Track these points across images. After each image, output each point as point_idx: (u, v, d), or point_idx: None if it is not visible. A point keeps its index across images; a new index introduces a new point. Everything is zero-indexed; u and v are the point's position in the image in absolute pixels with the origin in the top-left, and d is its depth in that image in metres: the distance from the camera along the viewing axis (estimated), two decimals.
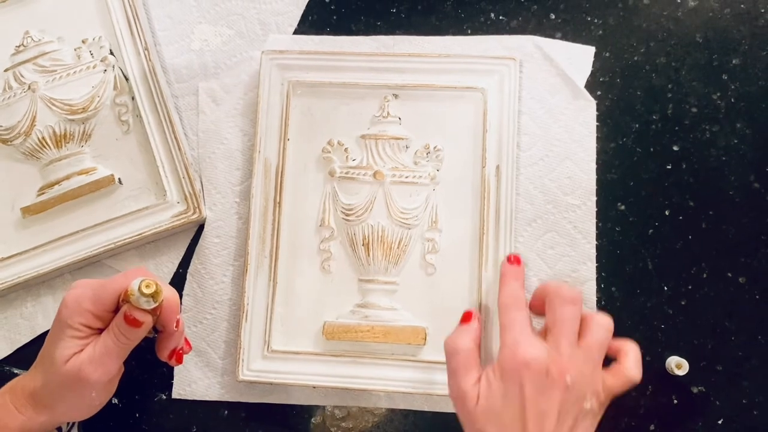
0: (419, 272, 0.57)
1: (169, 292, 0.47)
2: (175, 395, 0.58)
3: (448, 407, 0.56)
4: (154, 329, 0.50)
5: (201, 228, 0.59)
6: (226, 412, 0.58)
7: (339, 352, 0.56)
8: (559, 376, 0.44)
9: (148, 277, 0.45)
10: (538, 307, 0.49)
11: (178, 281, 0.59)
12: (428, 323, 0.56)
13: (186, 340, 0.52)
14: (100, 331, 0.47)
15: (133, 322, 0.45)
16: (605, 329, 0.47)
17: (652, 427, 0.56)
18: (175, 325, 0.49)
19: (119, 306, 0.47)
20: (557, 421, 0.44)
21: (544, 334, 0.47)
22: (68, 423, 0.52)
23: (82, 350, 0.46)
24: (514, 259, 0.51)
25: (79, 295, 0.46)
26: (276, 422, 0.58)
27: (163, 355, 0.51)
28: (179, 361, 0.51)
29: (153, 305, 0.45)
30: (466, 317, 0.50)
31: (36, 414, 0.47)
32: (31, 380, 0.47)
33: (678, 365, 0.54)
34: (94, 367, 0.46)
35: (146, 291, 0.44)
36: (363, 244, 0.57)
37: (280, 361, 0.56)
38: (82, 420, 0.51)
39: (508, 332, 0.46)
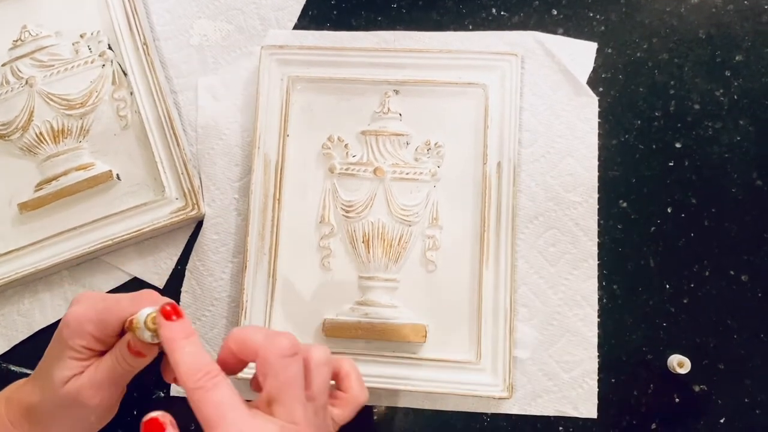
0: (420, 269, 0.57)
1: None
2: (173, 393, 0.57)
3: (449, 405, 0.56)
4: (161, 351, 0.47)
5: (200, 224, 0.59)
6: None
7: (339, 350, 0.55)
8: None
9: (158, 303, 0.43)
10: (233, 366, 0.40)
11: (177, 278, 0.59)
12: (429, 321, 0.56)
13: None
14: (102, 353, 0.45)
15: (137, 354, 0.43)
16: (326, 365, 0.40)
17: (653, 426, 0.55)
18: None
19: (124, 330, 0.44)
20: None
21: (263, 404, 0.38)
22: None
23: (82, 372, 0.44)
24: (173, 312, 0.40)
25: (82, 315, 0.43)
26: None
27: (168, 378, 0.46)
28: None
29: (157, 341, 0.42)
30: (155, 427, 0.38)
31: (31, 429, 0.45)
32: (28, 395, 0.45)
33: (680, 364, 0.54)
34: (94, 391, 0.44)
35: (152, 326, 0.41)
36: (363, 241, 0.56)
37: None
38: None
39: (222, 424, 0.35)
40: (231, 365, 0.40)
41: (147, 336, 0.42)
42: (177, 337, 0.38)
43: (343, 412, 0.42)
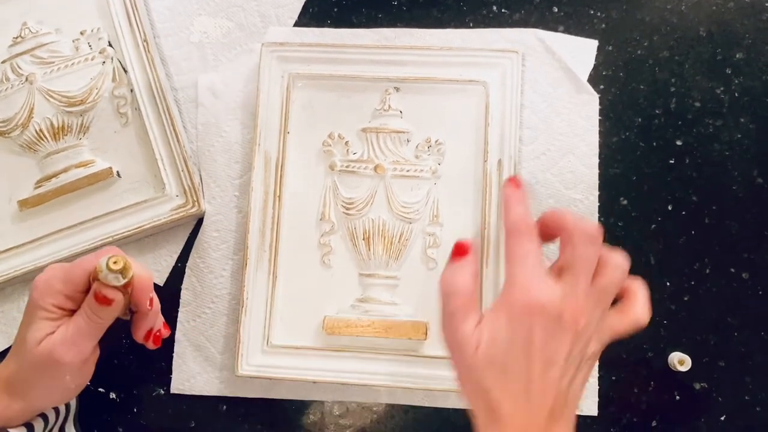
0: (420, 267, 0.57)
1: (139, 269, 0.46)
2: (173, 390, 0.57)
3: (449, 403, 0.56)
4: (130, 311, 0.49)
5: (200, 221, 0.59)
6: (224, 407, 0.57)
7: (339, 347, 0.55)
8: (573, 322, 0.39)
9: (117, 253, 0.44)
10: (545, 235, 0.43)
11: (177, 275, 0.59)
12: (429, 318, 0.56)
13: (164, 323, 0.52)
14: (73, 312, 0.46)
15: (103, 300, 0.44)
16: (622, 271, 0.42)
17: (654, 423, 0.55)
18: (148, 304, 0.48)
19: (90, 286, 0.46)
20: (564, 367, 0.40)
21: (556, 270, 0.41)
22: (56, 415, 0.51)
23: (54, 332, 0.45)
24: (516, 182, 0.44)
25: (50, 276, 0.46)
26: (275, 417, 0.57)
27: (139, 336, 0.50)
28: (156, 343, 0.51)
29: (122, 281, 0.44)
30: (461, 250, 0.43)
31: (11, 401, 0.46)
32: (5, 368, 0.47)
33: (680, 361, 0.54)
34: (67, 348, 0.45)
35: (114, 267, 0.43)
36: (363, 239, 0.56)
37: (280, 356, 0.55)
38: (62, 404, 0.51)
39: (518, 267, 0.40)
40: (544, 235, 0.43)
41: (111, 278, 0.44)
42: (514, 200, 0.42)
43: (621, 324, 0.42)
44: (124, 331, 0.58)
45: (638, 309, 0.43)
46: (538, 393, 0.39)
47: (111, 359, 0.58)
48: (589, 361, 0.41)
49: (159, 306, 0.50)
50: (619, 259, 0.42)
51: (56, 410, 0.51)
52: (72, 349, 0.45)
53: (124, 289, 0.45)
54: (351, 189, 0.57)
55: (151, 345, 0.51)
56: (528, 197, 0.43)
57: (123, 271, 0.44)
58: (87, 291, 0.46)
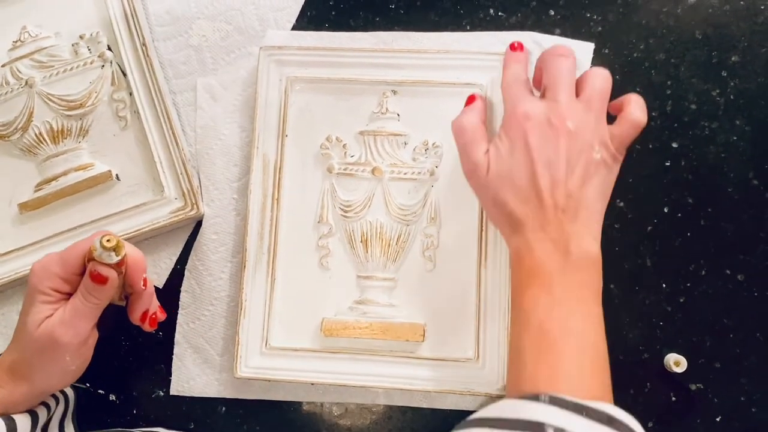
0: (418, 269, 0.57)
1: (131, 249, 0.48)
2: (173, 392, 0.58)
3: (447, 404, 0.56)
4: (125, 297, 0.51)
5: (199, 224, 0.59)
6: (223, 408, 0.58)
7: (337, 349, 0.56)
8: (560, 124, 0.45)
9: (110, 234, 0.46)
10: (539, 81, 0.50)
11: (176, 278, 0.59)
12: (427, 320, 0.56)
13: (160, 306, 0.53)
14: (70, 295, 0.48)
15: (98, 278, 0.46)
16: (602, 78, 0.47)
17: (650, 425, 0.56)
18: (142, 284, 0.49)
19: (86, 269, 0.47)
20: (566, 168, 0.45)
21: (543, 95, 0.48)
22: (56, 402, 0.52)
23: (52, 314, 0.47)
24: (518, 46, 0.51)
25: (47, 261, 0.48)
26: (274, 419, 0.57)
27: (135, 318, 0.51)
28: (152, 325, 0.52)
29: (116, 259, 0.46)
30: (471, 99, 0.51)
31: (15, 386, 0.48)
32: (8, 354, 0.48)
33: (676, 362, 0.54)
34: (65, 328, 0.47)
35: (107, 245, 0.45)
36: (361, 241, 0.57)
37: (278, 358, 0.56)
38: (62, 388, 0.52)
39: (508, 99, 0.48)
40: (538, 81, 0.50)
41: (105, 256, 0.46)
42: (511, 59, 0.51)
43: (621, 129, 0.47)
44: (123, 334, 0.58)
45: (632, 110, 0.47)
46: (547, 193, 0.45)
47: (110, 361, 0.58)
48: (600, 168, 0.46)
49: (153, 287, 0.52)
50: (597, 69, 0.48)
51: (56, 400, 0.52)
52: (70, 329, 0.47)
53: (118, 267, 0.47)
54: (349, 191, 0.57)
55: (147, 327, 0.52)
56: (527, 60, 0.50)
57: (116, 249, 0.46)
58: (82, 273, 0.47)
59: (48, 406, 0.51)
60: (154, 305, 0.53)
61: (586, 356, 0.43)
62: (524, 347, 0.43)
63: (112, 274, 0.47)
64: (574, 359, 0.42)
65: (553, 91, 0.47)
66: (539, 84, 0.50)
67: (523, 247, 0.46)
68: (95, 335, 0.50)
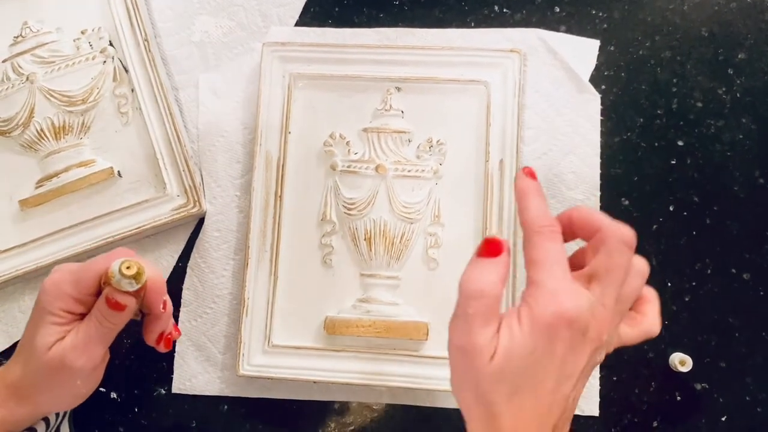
0: (421, 267, 0.57)
1: (152, 273, 0.45)
2: (174, 390, 0.57)
3: (450, 403, 0.56)
4: (141, 312, 0.48)
5: (201, 221, 0.59)
6: (226, 407, 0.57)
7: (340, 347, 0.55)
8: (597, 337, 0.37)
9: (131, 257, 0.43)
10: (567, 234, 0.40)
11: (178, 275, 0.59)
12: (430, 318, 0.56)
13: (175, 325, 0.50)
14: (83, 316, 0.45)
15: (116, 306, 0.43)
16: (642, 278, 0.40)
17: (655, 424, 0.55)
18: (161, 307, 0.46)
19: (101, 289, 0.44)
20: (576, 382, 0.37)
21: (585, 276, 0.38)
22: (56, 416, 0.51)
23: (64, 337, 0.44)
24: (531, 172, 0.40)
25: (59, 279, 0.44)
26: (276, 417, 0.57)
27: (151, 340, 0.48)
28: (168, 346, 0.49)
29: (135, 287, 0.43)
30: (494, 248, 0.38)
31: (17, 406, 0.45)
32: (11, 371, 0.45)
33: (681, 362, 0.54)
34: (78, 354, 0.44)
35: (127, 272, 0.42)
36: (365, 239, 0.56)
37: (281, 356, 0.55)
38: (70, 409, 0.50)
39: (544, 272, 0.37)
40: (566, 234, 0.40)
41: (124, 284, 0.42)
42: (530, 190, 0.39)
43: (632, 334, 0.41)
44: (125, 332, 0.58)
45: (650, 321, 0.41)
46: (545, 408, 0.37)
47: (112, 359, 0.57)
48: (595, 367, 0.40)
49: (172, 308, 0.49)
50: (642, 266, 0.40)
51: (56, 413, 0.51)
52: (83, 354, 0.44)
53: (137, 293, 0.44)
54: (352, 189, 0.57)
55: (162, 348, 0.49)
56: (542, 191, 0.40)
57: (136, 276, 0.42)
58: (97, 294, 0.44)
59: (47, 420, 0.49)
60: (170, 325, 0.49)
61: None
62: None
63: (130, 302, 0.43)
64: None
65: (604, 290, 0.37)
66: (568, 236, 0.40)
67: None
68: (107, 356, 0.47)
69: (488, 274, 0.37)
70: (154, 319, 0.47)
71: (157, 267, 0.45)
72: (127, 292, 0.43)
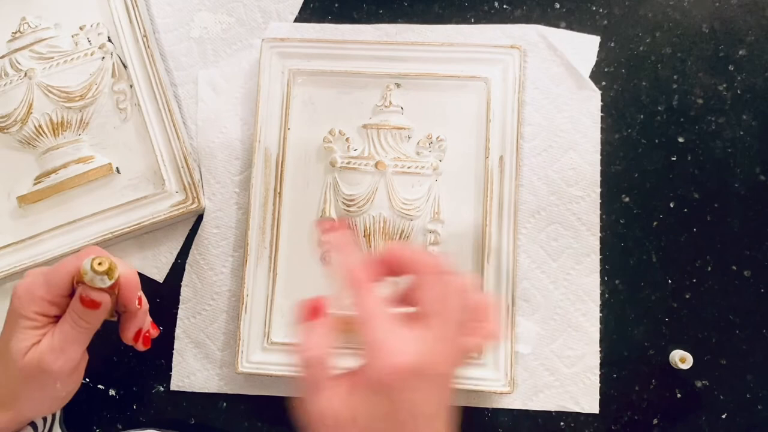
0: None
1: (125, 269, 0.44)
2: (173, 387, 0.57)
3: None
4: (117, 312, 0.47)
5: (200, 218, 0.59)
6: (224, 404, 0.57)
7: (340, 345, 0.55)
8: (447, 372, 0.37)
9: (101, 254, 0.42)
10: (389, 272, 0.40)
11: (177, 272, 0.58)
12: None
13: (153, 323, 0.49)
14: (57, 318, 0.44)
15: (90, 304, 0.42)
16: (464, 294, 0.39)
17: (655, 421, 0.55)
18: (137, 303, 0.46)
19: (74, 289, 0.43)
20: (435, 418, 0.37)
21: (420, 319, 0.38)
22: (44, 420, 0.50)
23: (40, 341, 0.43)
24: (334, 226, 0.41)
25: (31, 283, 0.43)
26: (275, 415, 0.57)
27: (127, 338, 0.47)
28: (146, 344, 0.48)
29: (108, 283, 0.42)
30: (316, 311, 0.39)
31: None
32: None
33: (682, 359, 0.54)
34: (55, 356, 0.43)
35: (99, 269, 0.41)
36: (364, 236, 0.56)
37: (280, 353, 0.55)
38: (55, 412, 0.49)
39: (369, 328, 0.37)
40: (385, 272, 0.41)
41: (97, 281, 0.42)
42: (344, 245, 0.40)
43: (473, 344, 0.41)
44: None
45: (491, 327, 0.41)
46: None
47: (110, 356, 0.58)
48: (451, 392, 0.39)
49: (147, 305, 0.48)
50: (461, 284, 0.39)
51: (44, 417, 0.50)
52: (60, 357, 0.43)
53: (111, 290, 0.43)
54: (352, 186, 0.57)
55: (140, 347, 0.48)
56: (352, 237, 0.39)
57: (109, 272, 0.42)
58: (71, 295, 0.44)
59: (35, 426, 0.48)
60: (147, 323, 0.49)
61: None
62: None
63: (104, 299, 0.43)
64: None
65: (441, 326, 0.37)
66: (390, 274, 0.40)
67: None
68: (86, 357, 0.46)
69: (317, 338, 0.38)
70: (130, 317, 0.47)
71: (130, 264, 0.43)
72: (100, 289, 0.42)
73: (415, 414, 0.36)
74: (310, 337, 0.38)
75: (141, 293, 0.46)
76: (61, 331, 0.43)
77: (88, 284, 0.42)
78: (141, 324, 0.47)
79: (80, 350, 0.44)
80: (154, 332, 0.49)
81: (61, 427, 0.54)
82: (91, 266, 0.41)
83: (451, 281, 0.38)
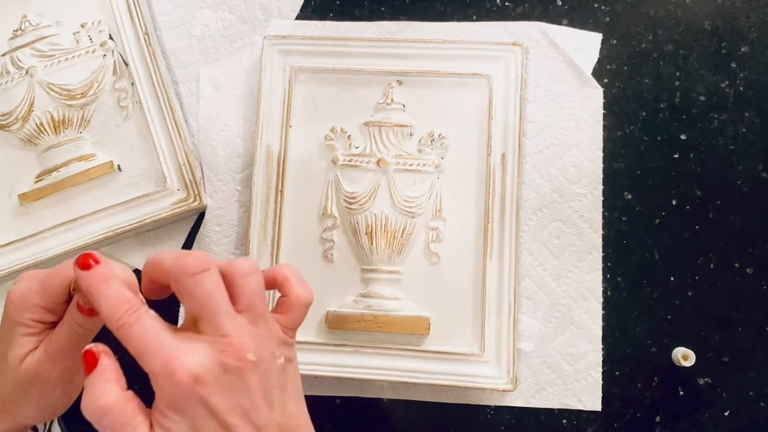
0: (423, 261, 0.56)
1: (122, 273, 0.41)
2: None
3: (452, 398, 0.56)
4: None
5: (201, 216, 0.59)
6: None
7: (341, 342, 0.55)
8: (241, 362, 0.35)
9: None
10: (157, 291, 0.39)
11: None
12: (432, 313, 0.55)
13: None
14: (54, 323, 0.42)
15: (88, 312, 0.40)
16: (252, 275, 0.38)
17: (657, 419, 0.55)
18: None
19: (71, 296, 0.42)
20: (266, 402, 0.36)
21: (193, 326, 0.37)
22: (44, 425, 0.49)
23: (36, 347, 0.41)
24: (86, 263, 0.37)
25: (26, 288, 0.41)
26: None
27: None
28: None
29: None
30: (89, 360, 0.37)
31: None
32: None
33: (684, 356, 0.54)
34: (53, 363, 0.41)
35: None
36: (366, 233, 0.56)
37: None
38: (50, 419, 0.48)
39: (146, 353, 0.35)
40: (156, 291, 0.39)
41: None
42: (94, 284, 0.36)
43: (289, 317, 0.40)
44: None
45: (296, 291, 0.40)
46: None
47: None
48: (287, 369, 0.39)
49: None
50: (241, 266, 0.38)
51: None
52: (58, 364, 0.41)
53: None
54: (353, 183, 0.57)
55: None
56: (109, 270, 0.37)
57: None
58: (68, 301, 0.42)
59: (36, 429, 0.47)
60: None
61: None
62: None
63: None
64: None
65: (211, 324, 0.35)
66: (155, 293, 0.39)
67: None
68: None
69: (98, 388, 0.36)
70: None
71: (128, 269, 0.40)
72: None
73: (232, 418, 0.35)
74: (96, 390, 0.35)
75: (140, 295, 0.45)
76: (58, 338, 0.42)
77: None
78: None
79: (78, 356, 0.42)
80: None
81: (60, 426, 0.53)
82: None
83: (199, 277, 0.36)
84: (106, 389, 0.35)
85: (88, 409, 0.35)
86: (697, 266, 0.56)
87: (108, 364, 0.36)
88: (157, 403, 0.35)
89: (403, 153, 0.57)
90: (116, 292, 0.36)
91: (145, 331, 0.35)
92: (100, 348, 0.37)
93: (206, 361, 0.34)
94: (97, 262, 0.37)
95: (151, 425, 0.35)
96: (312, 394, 0.57)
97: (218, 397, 0.34)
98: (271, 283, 0.40)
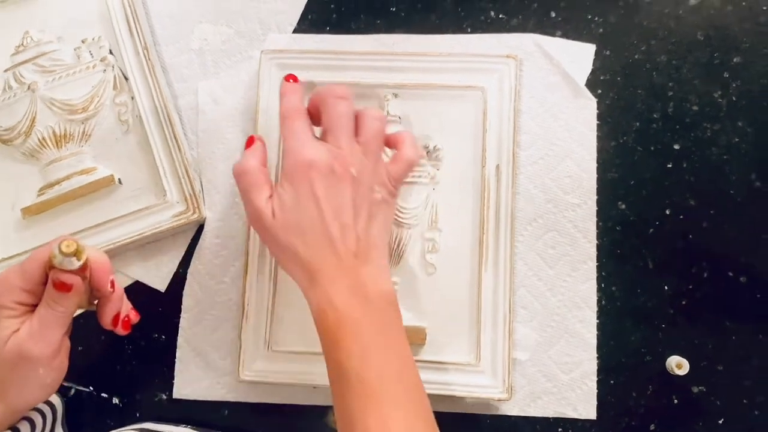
0: (419, 272, 0.57)
1: (93, 252, 0.47)
2: (176, 395, 0.58)
3: (448, 407, 0.56)
4: (95, 303, 0.49)
5: (201, 228, 0.59)
6: (226, 412, 0.58)
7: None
8: (344, 171, 0.46)
9: (68, 239, 0.44)
10: (316, 115, 0.50)
11: (179, 281, 0.59)
12: (428, 323, 0.56)
13: (133, 308, 0.51)
14: (35, 306, 0.46)
15: (62, 287, 0.45)
16: (378, 120, 0.49)
17: (652, 427, 0.56)
18: (109, 286, 0.48)
19: (47, 277, 0.46)
20: (353, 213, 0.46)
21: (324, 137, 0.49)
22: (44, 420, 0.51)
23: (19, 328, 0.45)
24: (291, 78, 0.53)
25: (6, 274, 0.46)
26: (277, 422, 0.58)
27: (106, 322, 0.49)
28: (126, 328, 0.50)
29: (77, 264, 0.44)
30: (250, 141, 0.50)
31: None
32: None
33: (678, 365, 0.54)
34: (35, 341, 0.45)
35: (67, 250, 0.44)
36: None
37: (281, 361, 0.56)
38: (39, 403, 0.50)
39: (289, 140, 0.47)
40: (315, 116, 0.50)
41: (66, 263, 0.44)
42: (288, 91, 0.50)
43: (397, 168, 0.49)
44: (126, 337, 0.59)
45: (406, 150, 0.50)
46: (338, 240, 0.45)
47: (114, 365, 0.59)
48: (381, 206, 0.48)
49: (122, 289, 0.50)
50: (373, 112, 0.49)
51: (41, 413, 0.51)
52: (40, 341, 0.45)
53: (82, 272, 0.45)
54: None
55: (120, 330, 0.50)
56: (302, 90, 0.51)
57: (76, 254, 0.44)
58: (46, 283, 0.46)
59: (32, 421, 0.50)
60: (126, 307, 0.51)
61: (409, 399, 0.43)
62: (349, 404, 0.42)
63: (75, 281, 0.45)
64: (400, 404, 0.42)
65: (334, 137, 0.48)
66: (315, 119, 0.50)
67: (323, 301, 0.45)
68: (67, 345, 0.48)
69: (248, 157, 0.48)
70: (105, 301, 0.49)
71: (99, 249, 0.48)
72: (70, 271, 0.45)
73: (326, 201, 0.46)
74: (245, 157, 0.48)
75: (113, 277, 0.48)
76: (39, 316, 0.46)
77: (58, 267, 0.44)
78: (117, 308, 0.50)
79: (59, 334, 0.46)
80: (135, 317, 0.52)
81: (63, 428, 0.55)
82: (59, 249, 0.44)
83: (344, 104, 0.48)
84: (251, 159, 0.48)
85: (235, 168, 0.48)
86: (690, 275, 0.57)
87: (260, 147, 0.50)
88: (281, 177, 0.47)
89: None
90: (296, 99, 0.50)
91: (301, 127, 0.48)
92: (257, 137, 0.51)
93: (322, 156, 0.46)
94: (296, 80, 0.53)
95: (272, 194, 0.47)
96: (311, 404, 0.57)
97: (320, 183, 0.46)
98: (393, 143, 0.51)
